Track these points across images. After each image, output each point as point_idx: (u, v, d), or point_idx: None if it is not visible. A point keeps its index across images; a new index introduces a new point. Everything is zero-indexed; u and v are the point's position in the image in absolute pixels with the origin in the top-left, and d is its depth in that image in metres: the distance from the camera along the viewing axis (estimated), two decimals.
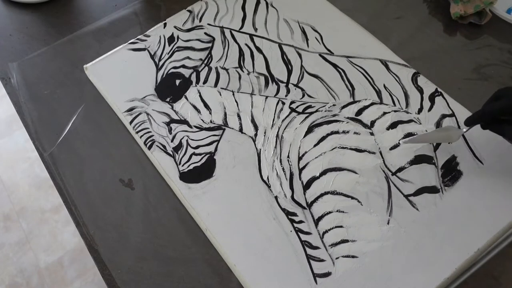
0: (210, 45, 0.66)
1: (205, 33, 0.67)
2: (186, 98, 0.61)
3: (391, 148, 0.55)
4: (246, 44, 0.66)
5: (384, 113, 0.58)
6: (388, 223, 0.50)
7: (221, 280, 0.49)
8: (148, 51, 0.66)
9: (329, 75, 0.62)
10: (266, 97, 0.61)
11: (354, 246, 0.49)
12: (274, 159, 0.55)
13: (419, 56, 0.65)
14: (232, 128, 0.58)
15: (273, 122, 0.58)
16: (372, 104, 0.59)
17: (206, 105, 0.60)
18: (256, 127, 0.58)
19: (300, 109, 0.59)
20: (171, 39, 0.67)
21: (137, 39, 0.68)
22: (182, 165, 0.56)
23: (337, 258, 0.49)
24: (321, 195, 0.52)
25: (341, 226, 0.50)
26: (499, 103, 0.48)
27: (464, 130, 0.52)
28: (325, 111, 0.59)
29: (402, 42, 0.66)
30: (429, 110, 0.58)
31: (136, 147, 0.59)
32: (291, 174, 0.54)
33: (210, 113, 0.60)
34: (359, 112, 0.58)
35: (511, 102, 0.47)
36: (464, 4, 0.67)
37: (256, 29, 0.67)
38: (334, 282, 0.47)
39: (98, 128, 0.60)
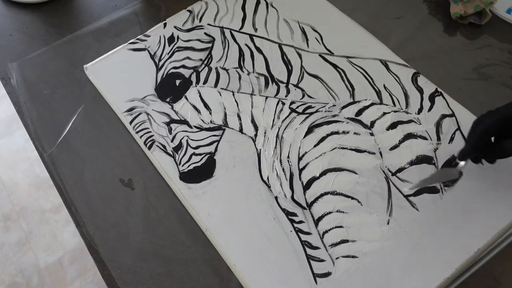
0: (210, 45, 0.66)
1: (205, 33, 0.67)
2: (186, 98, 0.61)
3: (391, 149, 0.55)
4: (246, 44, 0.66)
5: (384, 114, 0.58)
6: (388, 223, 0.50)
7: (221, 280, 0.49)
8: (148, 51, 0.66)
9: (329, 75, 0.62)
10: (266, 97, 0.61)
11: (354, 246, 0.49)
12: (274, 159, 0.55)
13: (419, 56, 0.65)
14: (232, 129, 0.58)
15: (273, 123, 0.58)
16: (372, 104, 0.59)
17: (206, 105, 0.60)
18: (256, 128, 0.58)
19: (300, 109, 0.59)
20: (171, 39, 0.67)
21: (137, 39, 0.68)
22: (182, 165, 0.56)
23: (337, 258, 0.49)
24: (321, 195, 0.52)
25: (341, 226, 0.50)
26: (475, 133, 0.48)
27: (462, 164, 0.50)
28: (325, 111, 0.59)
29: (402, 42, 0.66)
30: (429, 110, 0.58)
31: (136, 147, 0.59)
32: (291, 175, 0.54)
33: (210, 113, 0.60)
34: (359, 112, 0.58)
35: (485, 127, 0.47)
36: (464, 4, 0.67)
37: (256, 29, 0.67)
38: (334, 282, 0.47)
39: (98, 128, 0.60)
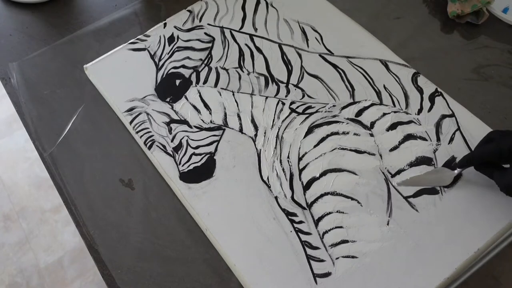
0: (210, 45, 0.66)
1: (205, 33, 0.67)
2: (186, 98, 0.61)
3: (391, 150, 0.55)
4: (246, 44, 0.66)
5: (384, 114, 0.58)
6: (388, 224, 0.50)
7: (221, 280, 0.49)
8: (148, 51, 0.66)
9: (329, 75, 0.62)
10: (266, 97, 0.61)
11: (354, 246, 0.49)
12: (274, 159, 0.55)
13: (419, 56, 0.65)
14: (232, 129, 0.58)
15: (273, 123, 0.58)
16: (372, 105, 0.59)
17: (206, 105, 0.60)
18: (256, 128, 0.58)
19: (300, 109, 0.59)
20: (171, 39, 0.67)
21: (137, 39, 0.68)
22: (182, 165, 0.56)
23: (337, 259, 0.49)
24: (321, 195, 0.52)
25: (341, 227, 0.50)
26: (488, 147, 0.48)
27: (456, 172, 0.52)
28: (325, 111, 0.59)
29: (402, 42, 0.66)
30: (429, 110, 0.58)
31: (136, 147, 0.59)
32: (291, 175, 0.54)
33: (210, 113, 0.60)
34: (359, 113, 0.58)
35: (500, 147, 0.46)
36: (461, 3, 0.66)
37: (256, 29, 0.67)
38: (334, 282, 0.47)
39: (98, 128, 0.60)
